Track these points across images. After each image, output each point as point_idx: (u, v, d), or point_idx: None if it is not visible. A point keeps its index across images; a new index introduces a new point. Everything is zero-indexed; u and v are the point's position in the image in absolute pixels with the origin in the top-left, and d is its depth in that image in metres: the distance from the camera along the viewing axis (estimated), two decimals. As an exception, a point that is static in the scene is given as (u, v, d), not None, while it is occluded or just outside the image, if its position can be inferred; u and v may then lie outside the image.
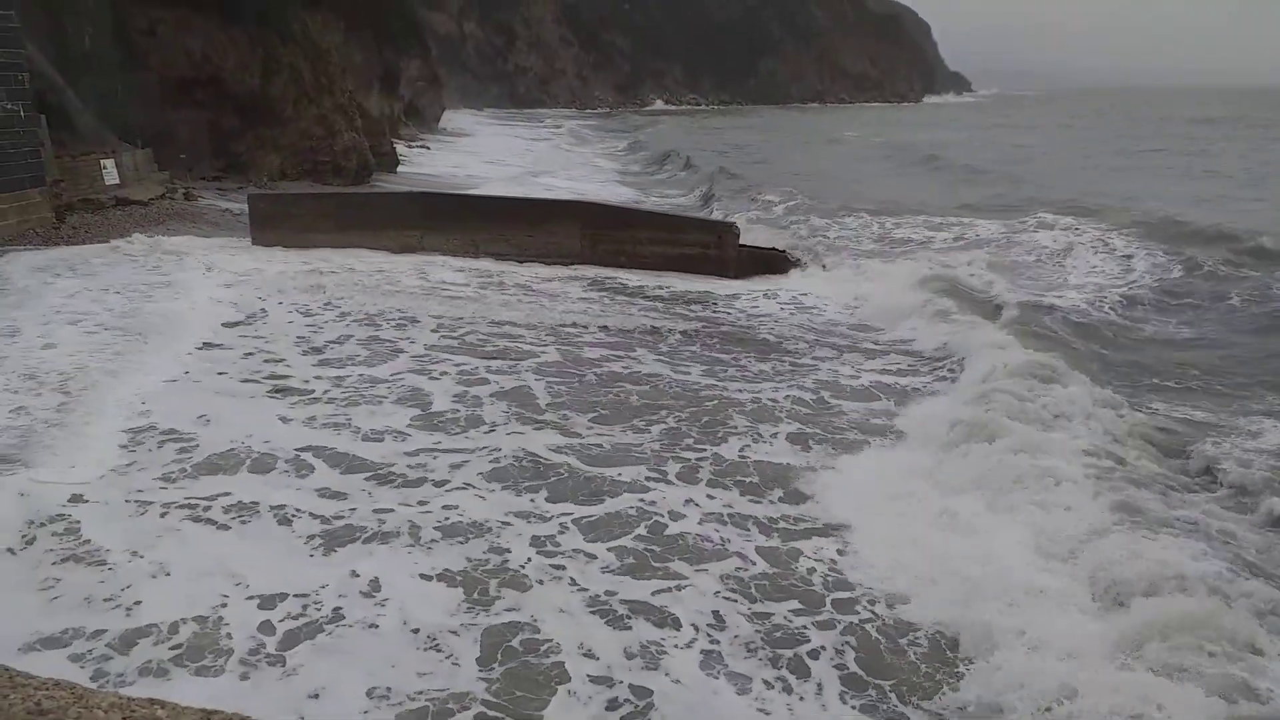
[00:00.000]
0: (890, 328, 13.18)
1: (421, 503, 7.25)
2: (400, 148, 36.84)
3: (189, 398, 9.21)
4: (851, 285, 15.59)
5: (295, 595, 5.91)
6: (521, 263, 16.45)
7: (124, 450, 7.93)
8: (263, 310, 12.67)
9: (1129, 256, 18.06)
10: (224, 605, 5.76)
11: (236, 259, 15.53)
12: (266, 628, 5.57)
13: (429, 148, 44.97)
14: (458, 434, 8.66)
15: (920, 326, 12.83)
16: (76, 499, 6.96)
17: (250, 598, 5.87)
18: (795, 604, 6.04)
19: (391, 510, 7.11)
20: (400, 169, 32.80)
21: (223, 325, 11.84)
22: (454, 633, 5.62)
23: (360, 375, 10.20)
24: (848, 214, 23.81)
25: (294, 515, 6.99)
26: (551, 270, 16.13)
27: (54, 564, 6.14)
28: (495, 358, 10.98)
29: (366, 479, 7.66)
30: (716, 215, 23.30)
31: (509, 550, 6.57)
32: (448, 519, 6.99)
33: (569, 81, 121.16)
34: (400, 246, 16.71)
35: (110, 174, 19.96)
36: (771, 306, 14.51)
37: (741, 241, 16.61)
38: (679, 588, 6.18)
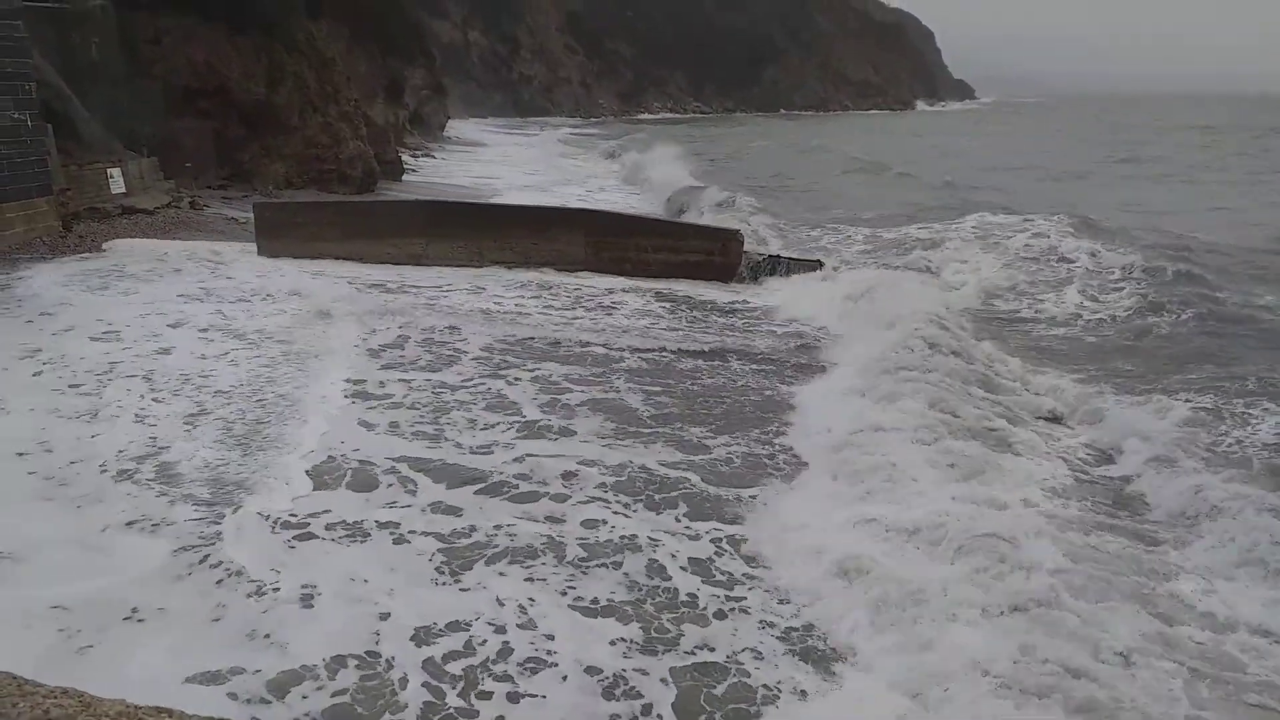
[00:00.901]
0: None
1: (553, 519, 7.07)
2: (405, 156, 36.92)
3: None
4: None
5: (447, 626, 5.66)
6: (530, 269, 16.46)
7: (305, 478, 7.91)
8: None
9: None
10: (377, 640, 5.51)
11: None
12: (435, 670, 5.27)
13: (435, 156, 45.07)
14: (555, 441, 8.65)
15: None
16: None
17: (401, 628, 5.62)
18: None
19: (513, 524, 6.95)
20: (407, 178, 32.88)
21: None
22: (642, 672, 5.29)
23: (439, 383, 10.20)
24: (834, 222, 23.93)
25: (410, 533, 6.81)
26: (611, 280, 16.08)
27: (201, 591, 5.98)
28: (577, 365, 11.02)
29: (476, 492, 7.54)
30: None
31: (666, 572, 6.31)
32: (592, 537, 6.78)
33: (573, 89, 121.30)
34: (405, 255, 16.74)
35: (116, 183, 20.05)
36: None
37: (745, 248, 16.65)
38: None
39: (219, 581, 6.10)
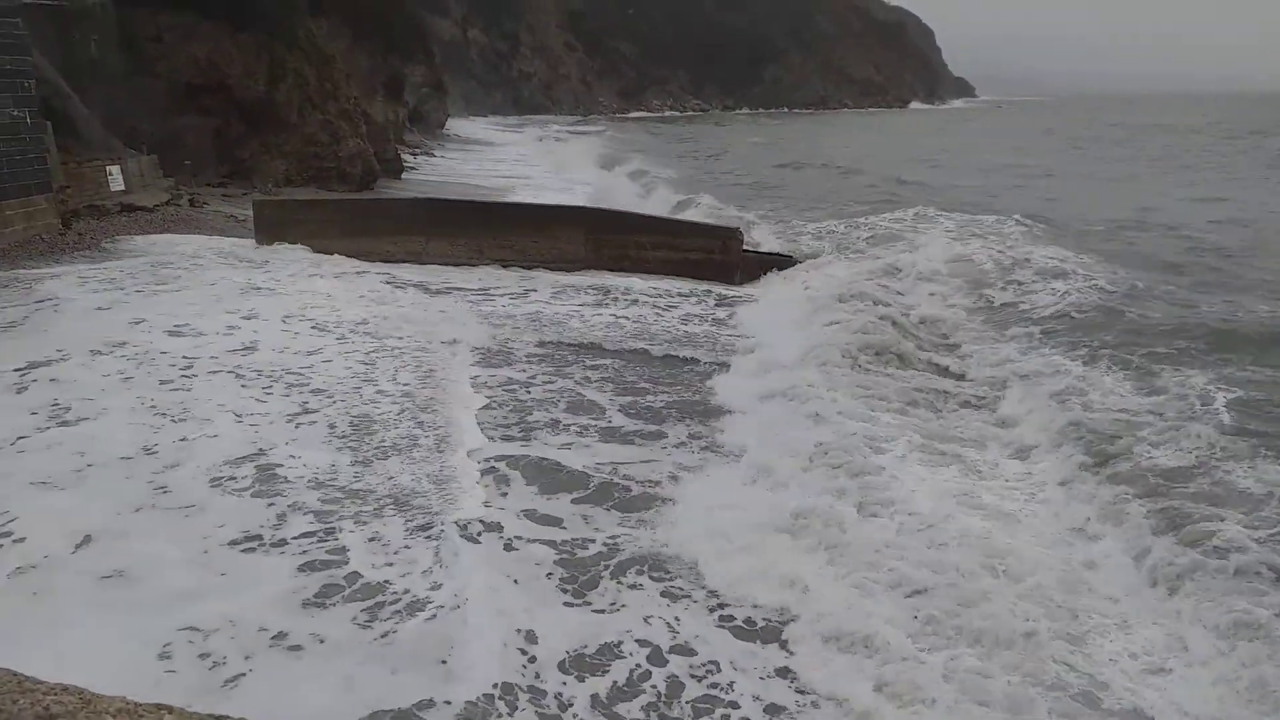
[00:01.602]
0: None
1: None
2: (404, 154, 36.89)
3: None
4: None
5: (598, 654, 5.35)
6: (528, 268, 16.46)
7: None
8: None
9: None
10: (537, 675, 5.18)
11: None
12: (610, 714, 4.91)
13: (435, 155, 45.04)
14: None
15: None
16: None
17: (552, 652, 5.33)
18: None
19: (626, 534, 6.75)
20: (407, 175, 32.85)
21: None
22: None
23: (530, 387, 10.12)
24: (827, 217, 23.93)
25: (516, 540, 6.58)
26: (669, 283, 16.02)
27: (342, 610, 5.66)
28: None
29: (575, 500, 7.31)
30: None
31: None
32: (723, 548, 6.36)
33: (573, 87, 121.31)
34: (405, 252, 16.73)
35: (116, 180, 20.03)
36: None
37: (745, 246, 16.65)
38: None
39: (356, 599, 5.76)
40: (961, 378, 10.74)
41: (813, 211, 24.31)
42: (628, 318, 13.53)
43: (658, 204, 24.38)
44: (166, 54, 24.62)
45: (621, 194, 27.05)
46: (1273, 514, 6.65)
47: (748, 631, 5.67)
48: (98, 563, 6.02)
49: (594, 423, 9.03)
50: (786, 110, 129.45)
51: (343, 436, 8.27)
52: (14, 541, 6.23)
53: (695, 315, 14.01)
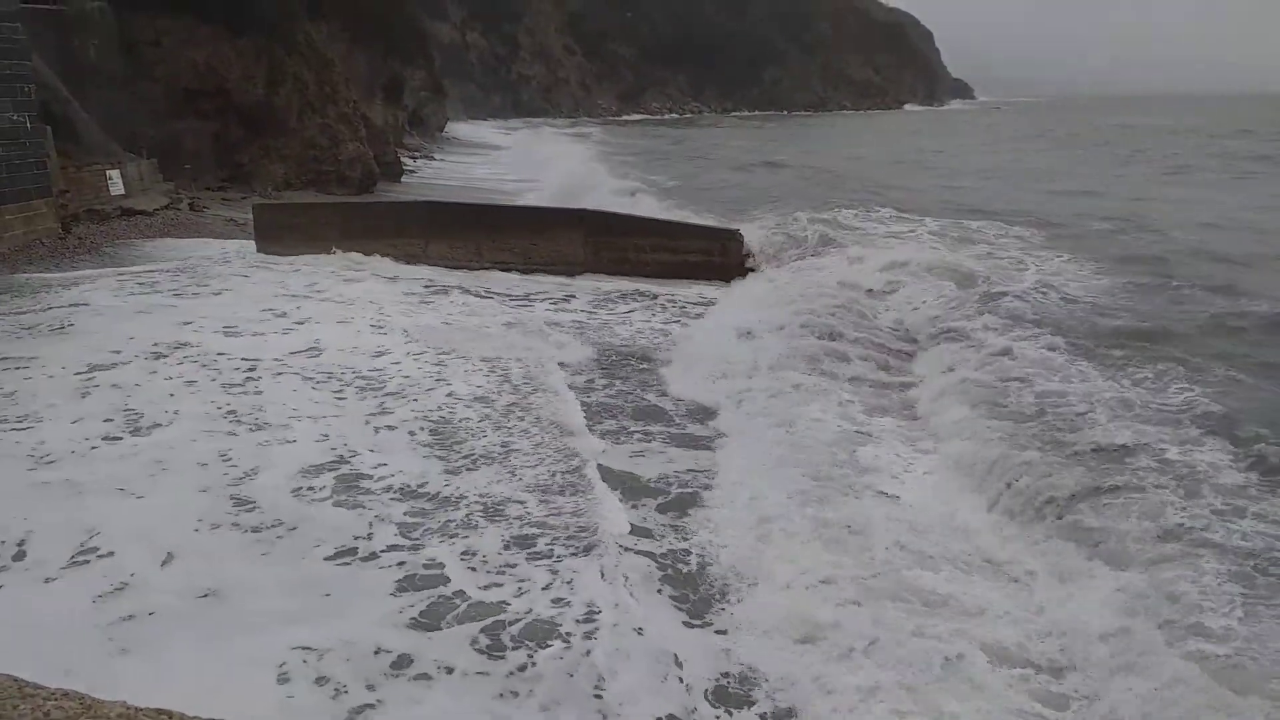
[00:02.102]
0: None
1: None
2: (404, 158, 36.89)
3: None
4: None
5: (740, 683, 4.95)
6: (526, 272, 16.45)
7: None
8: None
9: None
10: (685, 694, 4.84)
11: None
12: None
13: (434, 158, 45.05)
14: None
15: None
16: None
17: (699, 679, 4.96)
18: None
19: (709, 541, 6.46)
20: (406, 179, 32.87)
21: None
22: None
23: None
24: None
25: (623, 552, 6.22)
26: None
27: (462, 635, 5.33)
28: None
29: (660, 508, 7.05)
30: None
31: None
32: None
33: (572, 90, 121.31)
34: (405, 255, 16.73)
35: (115, 184, 20.05)
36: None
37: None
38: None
39: (470, 619, 5.44)
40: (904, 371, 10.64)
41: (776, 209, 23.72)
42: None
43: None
44: (166, 58, 24.65)
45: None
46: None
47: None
48: (188, 580, 5.81)
49: (665, 430, 8.92)
50: (785, 113, 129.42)
51: (426, 444, 8.04)
52: (99, 557, 6.05)
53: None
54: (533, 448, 8.06)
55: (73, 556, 6.03)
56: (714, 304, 14.54)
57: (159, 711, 2.90)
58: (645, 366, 11.02)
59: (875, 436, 8.38)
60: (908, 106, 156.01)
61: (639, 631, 5.36)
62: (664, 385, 10.26)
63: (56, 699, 2.94)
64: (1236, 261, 15.50)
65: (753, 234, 16.94)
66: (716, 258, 16.46)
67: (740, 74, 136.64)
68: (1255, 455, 7.10)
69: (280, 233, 16.95)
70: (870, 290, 13.60)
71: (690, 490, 7.48)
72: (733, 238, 16.79)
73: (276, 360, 10.22)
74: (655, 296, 15.08)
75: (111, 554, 6.06)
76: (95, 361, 9.96)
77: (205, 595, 5.66)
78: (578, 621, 5.45)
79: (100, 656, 4.99)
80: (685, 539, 6.63)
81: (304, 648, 5.08)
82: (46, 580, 5.77)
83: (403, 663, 5.03)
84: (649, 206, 21.79)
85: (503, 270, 16.48)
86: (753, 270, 16.11)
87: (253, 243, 17.21)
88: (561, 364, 10.79)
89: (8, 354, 10.30)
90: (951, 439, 8.22)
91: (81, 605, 5.49)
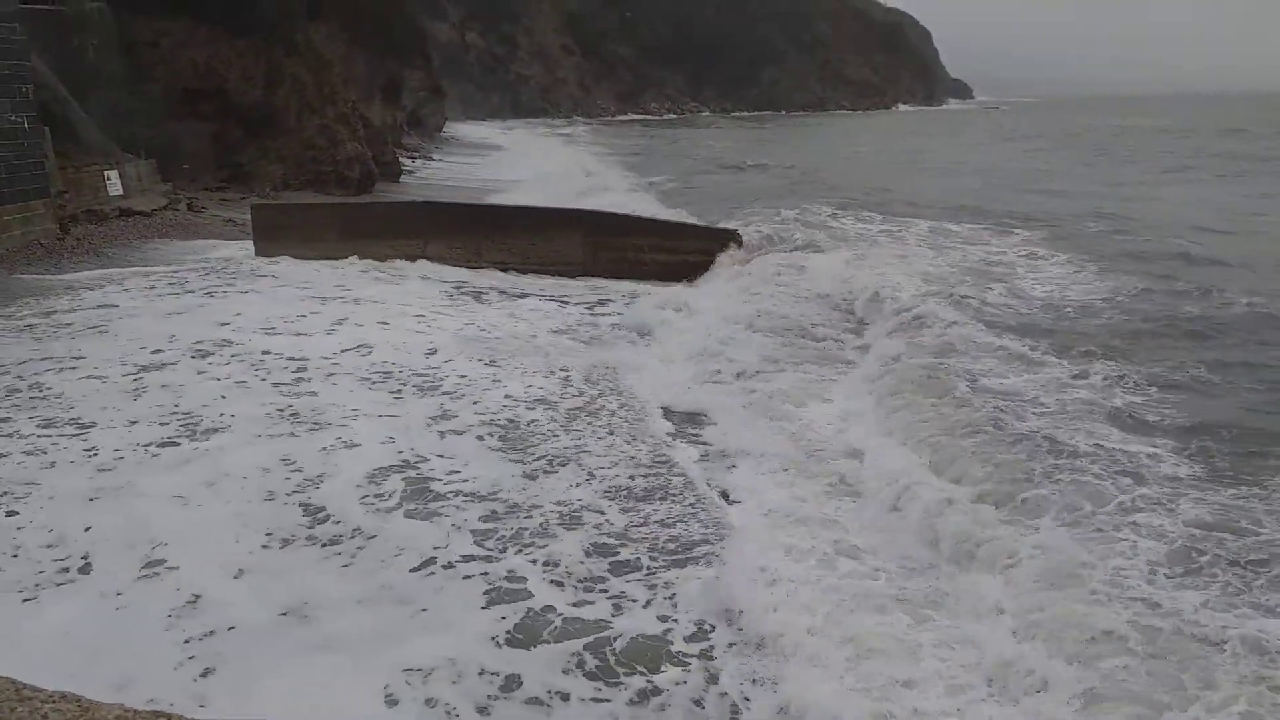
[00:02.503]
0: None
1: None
2: (402, 158, 36.85)
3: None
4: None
5: None
6: (524, 273, 16.44)
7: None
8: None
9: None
10: None
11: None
12: None
13: (433, 158, 45.00)
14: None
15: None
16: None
17: None
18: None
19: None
20: (405, 179, 32.82)
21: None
22: None
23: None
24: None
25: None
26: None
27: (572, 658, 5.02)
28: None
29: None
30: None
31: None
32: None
33: (571, 90, 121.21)
34: (403, 256, 16.72)
35: (114, 185, 20.03)
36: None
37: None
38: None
39: (569, 637, 5.13)
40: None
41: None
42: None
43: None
44: (165, 59, 24.65)
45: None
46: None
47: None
48: (265, 595, 5.55)
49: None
50: (784, 113, 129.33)
51: (496, 448, 7.82)
52: (168, 569, 5.81)
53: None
54: (605, 450, 7.86)
55: (140, 570, 5.80)
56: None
57: (155, 714, 2.90)
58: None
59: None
60: (900, 107, 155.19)
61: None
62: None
63: (54, 701, 2.94)
64: (1220, 262, 15.56)
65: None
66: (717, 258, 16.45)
67: (739, 74, 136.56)
68: (1195, 449, 7.21)
69: (278, 233, 16.93)
70: (842, 292, 13.69)
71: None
72: (733, 237, 16.79)
73: (326, 359, 10.09)
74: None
75: (179, 567, 5.82)
76: (142, 362, 9.78)
77: (286, 612, 5.39)
78: (687, 640, 5.14)
79: (183, 676, 4.79)
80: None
81: (407, 668, 4.80)
82: (118, 594, 5.54)
83: (511, 684, 4.75)
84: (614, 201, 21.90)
85: (501, 270, 16.49)
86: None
87: (237, 244, 17.20)
88: (624, 365, 10.58)
89: (50, 353, 10.17)
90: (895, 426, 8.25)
91: (156, 621, 5.27)
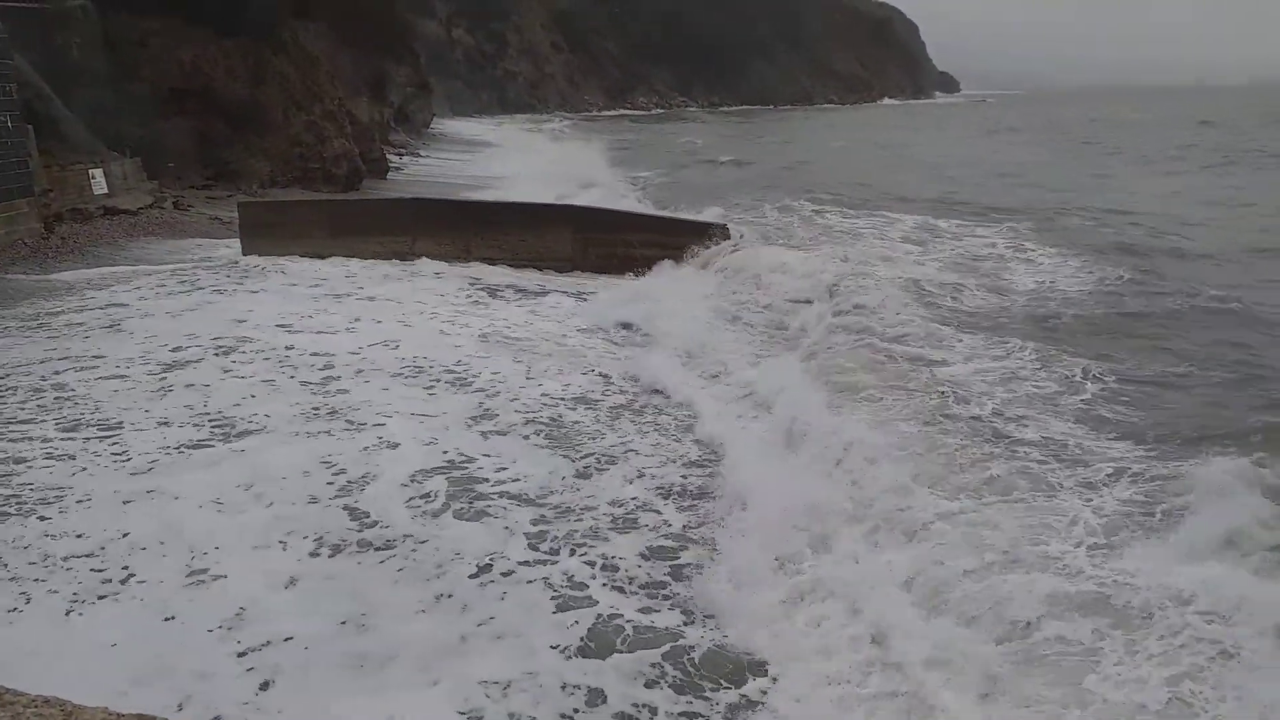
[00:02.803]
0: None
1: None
2: (390, 155, 36.73)
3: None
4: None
5: None
6: (515, 268, 16.38)
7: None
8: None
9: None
10: None
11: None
12: None
13: (421, 155, 44.87)
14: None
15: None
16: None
17: None
18: None
19: None
20: (393, 176, 32.71)
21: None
22: None
23: None
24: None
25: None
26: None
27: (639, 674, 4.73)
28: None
29: None
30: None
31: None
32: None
33: (559, 86, 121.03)
34: (391, 252, 16.64)
35: (99, 184, 19.88)
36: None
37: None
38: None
39: (641, 646, 4.91)
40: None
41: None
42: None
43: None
44: (149, 57, 24.47)
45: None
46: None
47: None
48: (318, 603, 5.28)
49: None
50: (772, 107, 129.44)
51: (541, 445, 7.60)
52: (214, 579, 5.53)
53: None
54: (651, 448, 7.68)
55: (185, 579, 5.52)
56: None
57: (139, 716, 2.85)
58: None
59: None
60: (884, 101, 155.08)
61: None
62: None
63: (37, 705, 2.88)
64: (1196, 255, 15.71)
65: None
66: (705, 252, 16.40)
67: (727, 69, 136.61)
68: (1144, 436, 7.13)
69: (266, 231, 16.81)
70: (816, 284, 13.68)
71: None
72: (721, 230, 16.76)
73: (353, 355, 9.86)
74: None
75: (225, 576, 5.55)
76: (165, 360, 9.56)
77: (344, 621, 5.11)
78: (763, 651, 4.89)
79: (243, 689, 4.58)
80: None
81: (483, 680, 4.57)
82: (163, 604, 5.29)
83: (595, 699, 4.51)
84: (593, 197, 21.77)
85: (490, 265, 16.41)
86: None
87: (222, 241, 17.10)
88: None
89: (67, 352, 9.97)
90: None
91: (207, 633, 5.03)
